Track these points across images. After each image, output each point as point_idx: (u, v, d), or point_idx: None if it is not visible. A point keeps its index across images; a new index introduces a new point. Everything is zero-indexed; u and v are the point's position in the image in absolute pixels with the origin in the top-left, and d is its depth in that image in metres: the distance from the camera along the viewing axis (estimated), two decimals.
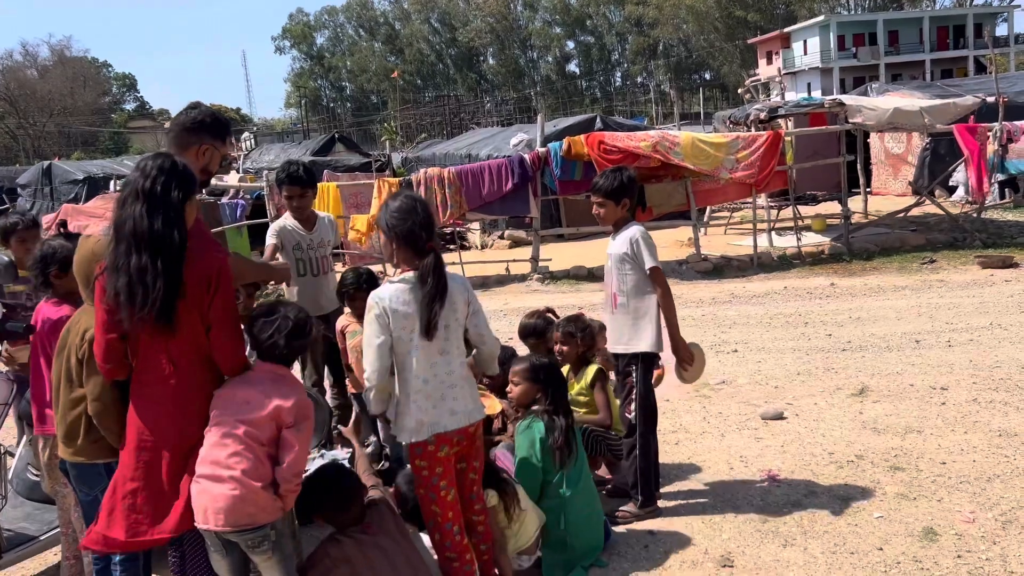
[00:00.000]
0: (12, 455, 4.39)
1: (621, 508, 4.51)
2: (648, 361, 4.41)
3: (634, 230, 4.33)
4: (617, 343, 4.47)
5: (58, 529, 3.84)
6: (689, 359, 4.42)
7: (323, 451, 4.31)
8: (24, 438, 4.48)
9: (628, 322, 4.38)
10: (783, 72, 30.04)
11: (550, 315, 5.22)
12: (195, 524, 2.91)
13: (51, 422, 3.54)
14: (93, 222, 15.53)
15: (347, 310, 5.00)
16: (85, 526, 3.43)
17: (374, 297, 3.25)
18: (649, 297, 4.33)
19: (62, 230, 3.82)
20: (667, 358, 4.52)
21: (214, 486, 2.85)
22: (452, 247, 14.00)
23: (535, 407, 4.09)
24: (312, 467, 3.64)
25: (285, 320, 3.05)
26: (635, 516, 4.44)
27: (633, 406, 4.40)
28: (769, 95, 37.47)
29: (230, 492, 2.83)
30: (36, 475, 4.26)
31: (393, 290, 3.23)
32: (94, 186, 23.56)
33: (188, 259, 2.87)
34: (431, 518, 3.39)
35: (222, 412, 2.94)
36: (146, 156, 3.02)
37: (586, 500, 4.07)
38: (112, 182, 22.06)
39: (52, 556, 4.32)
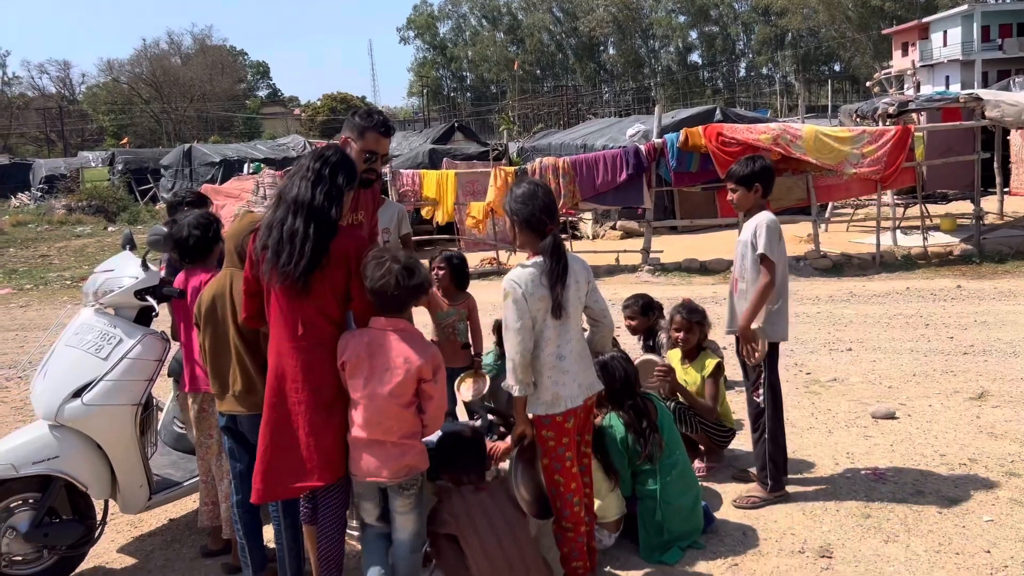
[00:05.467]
0: (161, 409, 4.85)
1: (748, 494, 4.53)
2: (774, 347, 4.43)
3: (761, 216, 4.34)
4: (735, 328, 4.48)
5: (198, 477, 4.21)
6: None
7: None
8: (171, 394, 4.93)
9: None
10: (919, 64, 28.63)
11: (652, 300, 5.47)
12: (358, 477, 3.22)
13: (202, 381, 3.91)
14: (230, 202, 16.55)
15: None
16: (232, 472, 3.76)
17: (511, 283, 3.40)
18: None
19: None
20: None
21: (377, 449, 3.17)
22: (564, 236, 14.15)
23: (610, 404, 4.18)
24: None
25: (395, 261, 3.18)
26: (764, 500, 4.46)
27: (761, 391, 4.45)
28: (902, 88, 35.77)
29: (393, 452, 3.18)
30: (181, 428, 4.71)
31: (526, 274, 3.41)
32: (229, 168, 25.00)
33: (336, 237, 3.17)
34: (553, 487, 3.53)
35: (366, 383, 3.16)
36: (321, 147, 3.36)
37: (682, 488, 4.11)
38: (246, 165, 23.35)
39: (191, 502, 4.74)
